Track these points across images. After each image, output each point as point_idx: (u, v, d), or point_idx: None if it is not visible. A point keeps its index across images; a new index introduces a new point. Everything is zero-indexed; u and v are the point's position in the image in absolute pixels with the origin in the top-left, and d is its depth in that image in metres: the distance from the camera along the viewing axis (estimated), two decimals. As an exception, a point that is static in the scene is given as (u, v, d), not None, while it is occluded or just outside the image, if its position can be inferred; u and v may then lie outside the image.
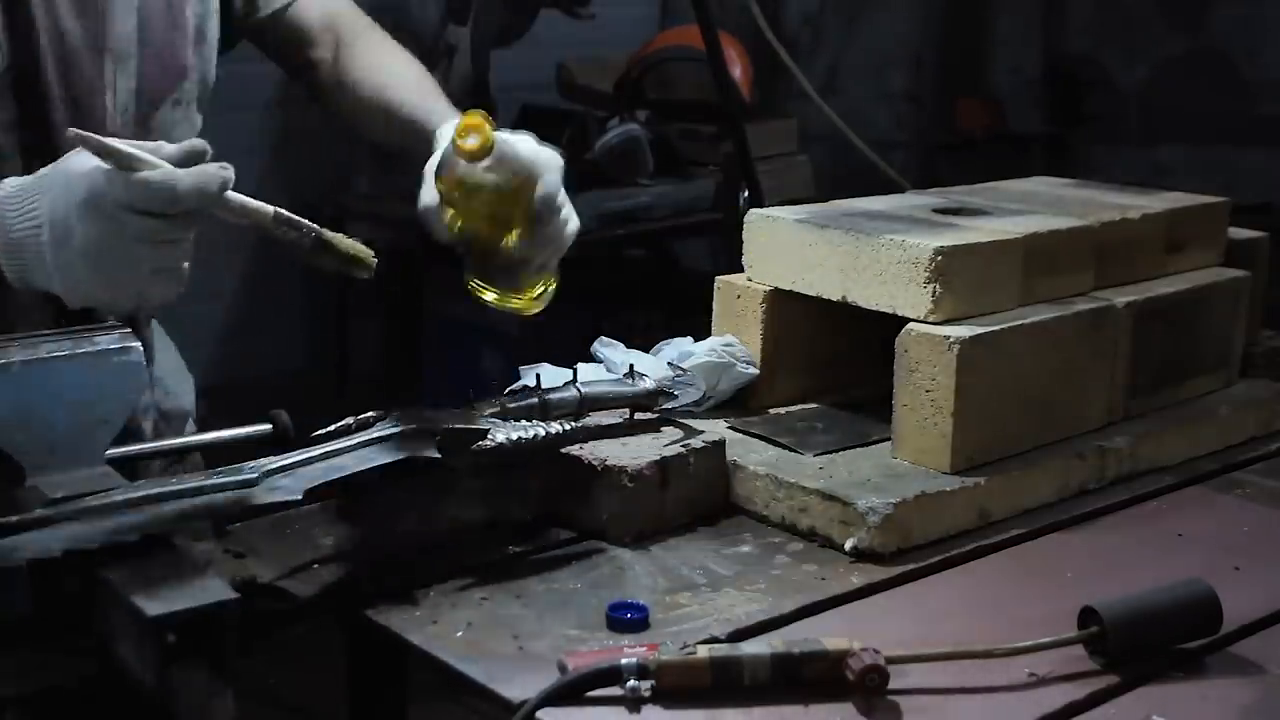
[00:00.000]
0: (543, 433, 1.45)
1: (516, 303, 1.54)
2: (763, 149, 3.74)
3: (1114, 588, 1.32)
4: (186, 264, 1.26)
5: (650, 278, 4.16)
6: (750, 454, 1.60)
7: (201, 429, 1.38)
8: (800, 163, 4.21)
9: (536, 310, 1.57)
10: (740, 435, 1.66)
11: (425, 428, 1.37)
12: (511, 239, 1.51)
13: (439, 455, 1.36)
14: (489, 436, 1.40)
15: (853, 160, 4.20)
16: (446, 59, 3.84)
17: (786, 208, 1.77)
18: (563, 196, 1.53)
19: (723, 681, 1.18)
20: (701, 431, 1.60)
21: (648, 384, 1.59)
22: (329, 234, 1.35)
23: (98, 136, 1.22)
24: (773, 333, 1.73)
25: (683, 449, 1.54)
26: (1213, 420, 1.81)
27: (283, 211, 1.32)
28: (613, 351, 1.68)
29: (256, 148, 3.72)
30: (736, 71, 3.85)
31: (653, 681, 1.17)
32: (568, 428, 1.48)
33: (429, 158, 1.53)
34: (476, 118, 1.46)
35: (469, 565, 1.44)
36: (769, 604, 1.36)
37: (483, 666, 1.23)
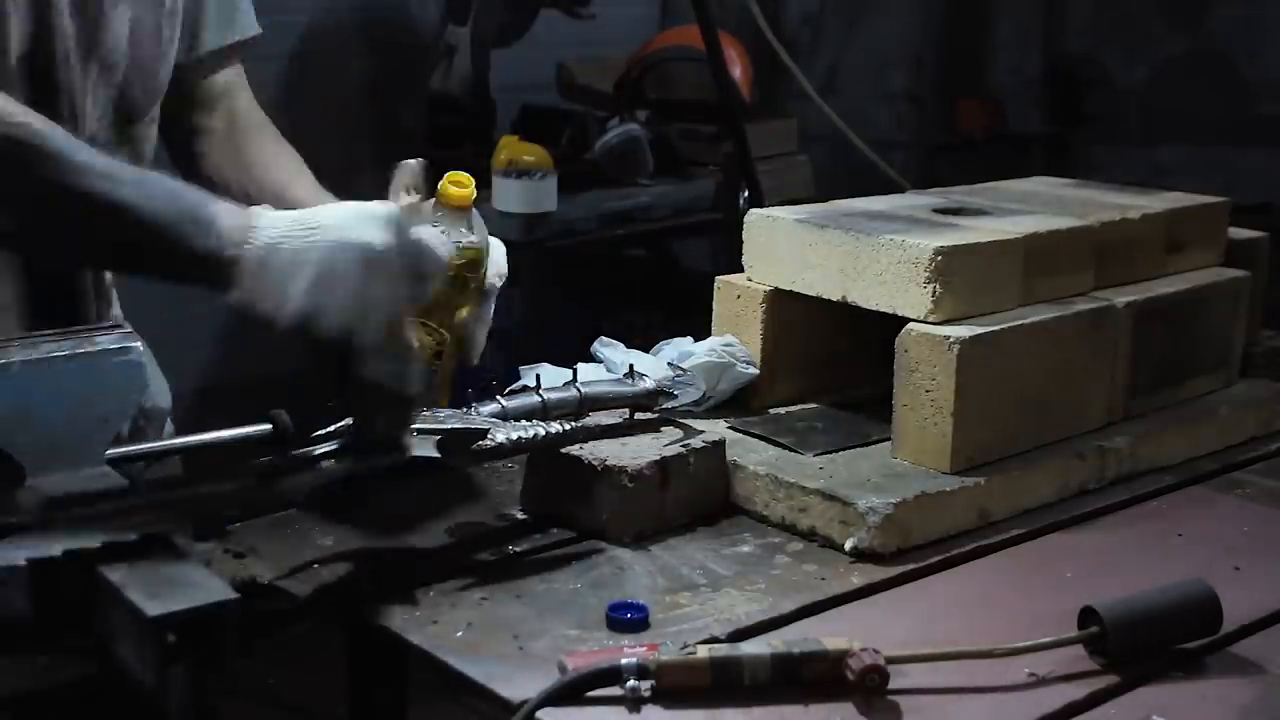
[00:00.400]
0: (542, 432, 1.45)
1: None
2: (763, 149, 3.73)
3: (1114, 588, 1.32)
4: None
5: (650, 278, 4.16)
6: (750, 454, 1.60)
7: (201, 429, 1.38)
8: (800, 163, 4.21)
9: None
10: (740, 435, 1.66)
11: (425, 427, 1.37)
12: (462, 314, 1.47)
13: (439, 456, 1.36)
14: (489, 436, 1.40)
15: (853, 160, 4.20)
16: (446, 59, 3.84)
17: (786, 208, 1.77)
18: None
19: (723, 681, 1.18)
20: (701, 431, 1.60)
21: (648, 384, 1.59)
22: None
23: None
24: (773, 333, 1.73)
25: (683, 449, 1.54)
26: (1213, 420, 1.81)
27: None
28: (613, 351, 1.68)
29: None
30: (736, 71, 3.85)
31: (653, 681, 1.17)
32: (567, 427, 1.48)
33: None
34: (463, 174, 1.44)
35: (469, 565, 1.44)
36: (769, 604, 1.36)
37: (483, 666, 1.23)
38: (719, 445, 1.58)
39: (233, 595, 1.12)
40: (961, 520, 1.53)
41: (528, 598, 1.36)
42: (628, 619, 1.30)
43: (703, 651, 1.19)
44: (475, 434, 1.40)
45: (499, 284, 1.53)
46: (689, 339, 1.72)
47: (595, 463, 1.50)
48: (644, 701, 1.16)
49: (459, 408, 1.46)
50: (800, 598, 1.38)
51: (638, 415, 1.61)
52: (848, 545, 1.46)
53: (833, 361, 1.78)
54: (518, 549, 1.49)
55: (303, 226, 1.28)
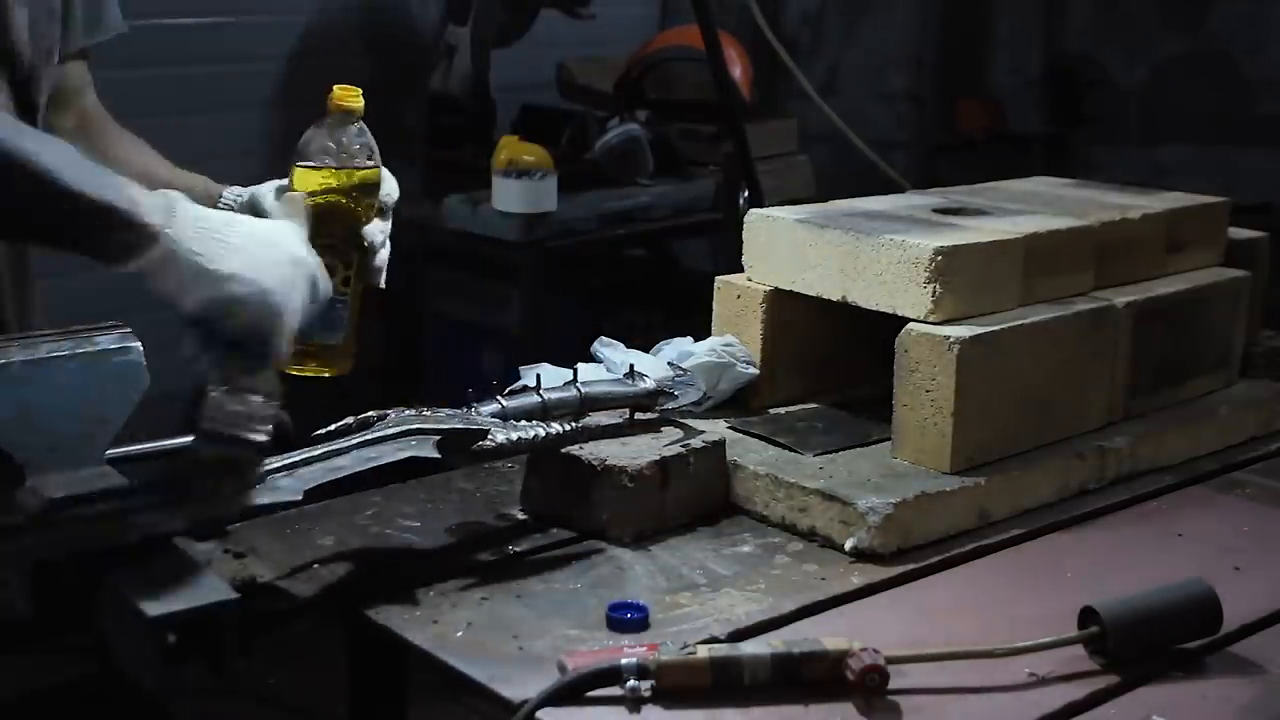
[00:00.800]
0: (542, 433, 1.45)
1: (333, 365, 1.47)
2: (763, 149, 3.73)
3: (1114, 588, 1.33)
4: None
5: (650, 278, 4.16)
6: (750, 454, 1.60)
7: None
8: (800, 163, 4.21)
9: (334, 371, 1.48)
10: (740, 435, 1.66)
11: (425, 427, 1.37)
12: (364, 235, 1.47)
13: (439, 456, 1.36)
14: (489, 437, 1.40)
15: (853, 160, 4.19)
16: (446, 59, 3.84)
17: (786, 208, 1.77)
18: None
19: (723, 681, 1.18)
20: (701, 431, 1.60)
21: (648, 384, 1.59)
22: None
23: None
24: (773, 333, 1.73)
25: (683, 449, 1.54)
26: (1213, 420, 1.81)
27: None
28: (613, 351, 1.68)
29: (256, 148, 3.72)
30: (736, 71, 3.85)
31: (653, 681, 1.17)
32: (568, 428, 1.48)
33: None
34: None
35: (469, 565, 1.44)
36: (769, 604, 1.36)
37: (483, 666, 1.23)
38: (719, 445, 1.58)
39: (233, 595, 1.12)
40: (961, 520, 1.53)
41: (528, 598, 1.36)
42: (628, 619, 1.30)
43: (703, 651, 1.19)
44: (475, 434, 1.40)
45: (390, 203, 1.52)
46: (689, 339, 1.72)
47: (595, 463, 1.50)
48: (644, 701, 1.16)
49: (458, 406, 1.46)
50: (800, 598, 1.38)
51: (638, 415, 1.60)
52: (848, 545, 1.46)
53: (833, 361, 1.78)
54: (518, 549, 1.49)
55: (235, 222, 1.30)
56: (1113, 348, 1.72)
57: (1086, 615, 1.27)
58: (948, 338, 1.53)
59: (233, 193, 1.62)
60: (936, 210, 1.77)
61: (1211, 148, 4.62)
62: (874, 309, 1.61)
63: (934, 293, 1.55)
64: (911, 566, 1.45)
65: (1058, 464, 1.63)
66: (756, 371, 1.71)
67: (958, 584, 1.45)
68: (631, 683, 1.16)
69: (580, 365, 1.65)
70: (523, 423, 1.46)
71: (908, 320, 1.57)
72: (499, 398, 1.49)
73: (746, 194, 3.41)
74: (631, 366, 1.61)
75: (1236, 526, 1.59)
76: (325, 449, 1.32)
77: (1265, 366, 1.95)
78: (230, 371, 1.26)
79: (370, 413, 1.38)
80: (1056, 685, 1.23)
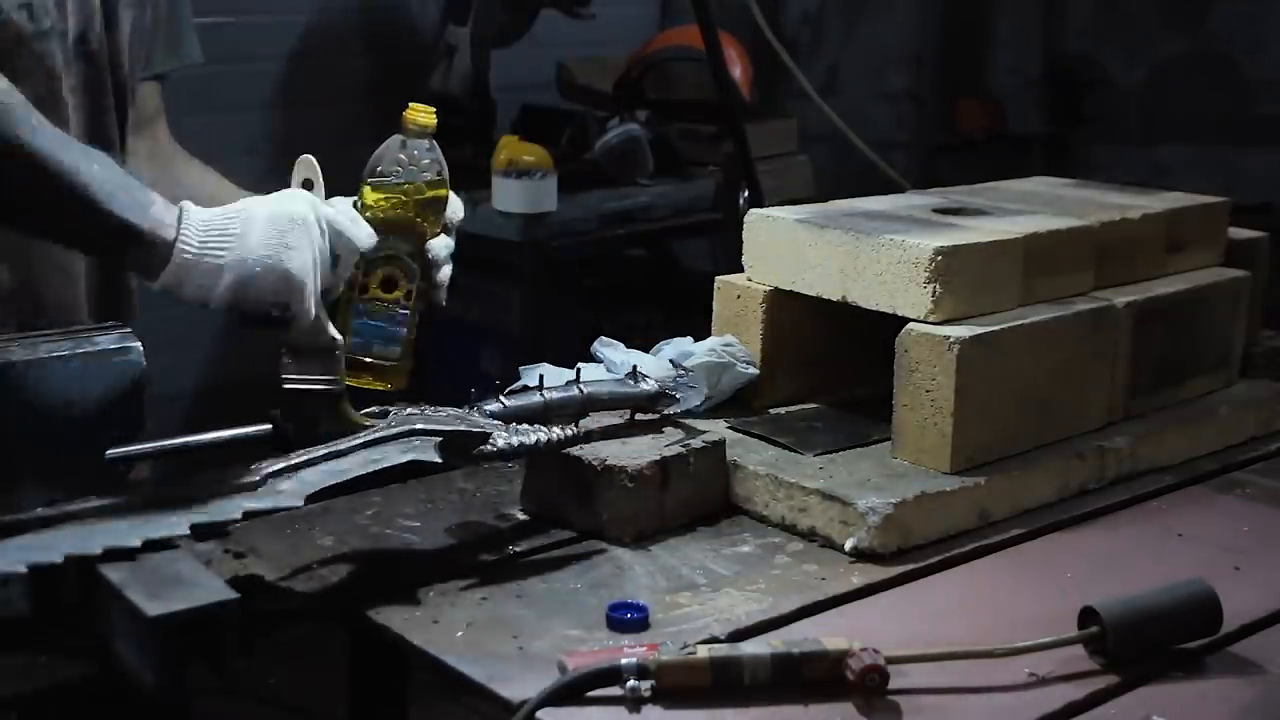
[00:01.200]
0: (544, 438, 1.45)
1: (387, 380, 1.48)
2: (763, 149, 3.73)
3: (1114, 588, 1.33)
4: None
5: (650, 278, 4.16)
6: (750, 454, 1.60)
7: (201, 429, 1.38)
8: (800, 163, 4.21)
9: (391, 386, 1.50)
10: (740, 435, 1.66)
11: (427, 428, 1.37)
12: (429, 251, 1.48)
13: (440, 460, 1.36)
14: (490, 442, 1.40)
15: (853, 160, 4.19)
16: (446, 59, 3.84)
17: (786, 208, 1.77)
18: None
19: (723, 681, 1.18)
20: (701, 431, 1.60)
21: (650, 386, 1.59)
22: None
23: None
24: (773, 333, 1.73)
25: (683, 449, 1.54)
26: (1213, 420, 1.81)
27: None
28: (613, 351, 1.68)
29: (257, 148, 3.72)
30: (736, 71, 3.85)
31: (653, 681, 1.17)
32: (569, 433, 1.48)
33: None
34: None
35: (469, 565, 1.44)
36: (769, 604, 1.36)
37: (483, 666, 1.23)
38: (719, 445, 1.58)
39: (233, 595, 1.12)
40: (961, 520, 1.53)
41: (528, 598, 1.36)
42: (628, 619, 1.30)
43: (703, 651, 1.19)
44: (477, 437, 1.40)
45: (456, 222, 1.53)
46: (689, 339, 1.72)
47: (595, 463, 1.50)
48: (644, 701, 1.16)
49: (460, 406, 1.46)
50: (800, 598, 1.38)
51: (638, 416, 1.60)
52: (848, 545, 1.46)
53: (833, 361, 1.78)
54: (518, 549, 1.49)
55: (230, 212, 1.33)
56: (1113, 348, 1.72)
57: (1086, 615, 1.27)
58: (948, 338, 1.53)
59: None
60: (936, 210, 1.77)
61: (1211, 148, 4.62)
62: (874, 309, 1.61)
63: (934, 293, 1.55)
64: (911, 566, 1.45)
65: (1058, 464, 1.63)
66: (756, 371, 1.71)
67: (958, 584, 1.45)
68: (631, 683, 1.16)
69: (582, 365, 1.65)
70: (524, 426, 1.46)
71: (908, 320, 1.57)
72: (501, 397, 1.49)
73: (746, 194, 3.41)
74: (635, 368, 1.61)
75: (1236, 526, 1.59)
76: (327, 450, 1.32)
77: (1265, 366, 1.95)
78: (280, 339, 1.35)
79: (372, 408, 1.38)
80: (1056, 685, 1.23)
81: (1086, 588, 1.38)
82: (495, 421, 1.44)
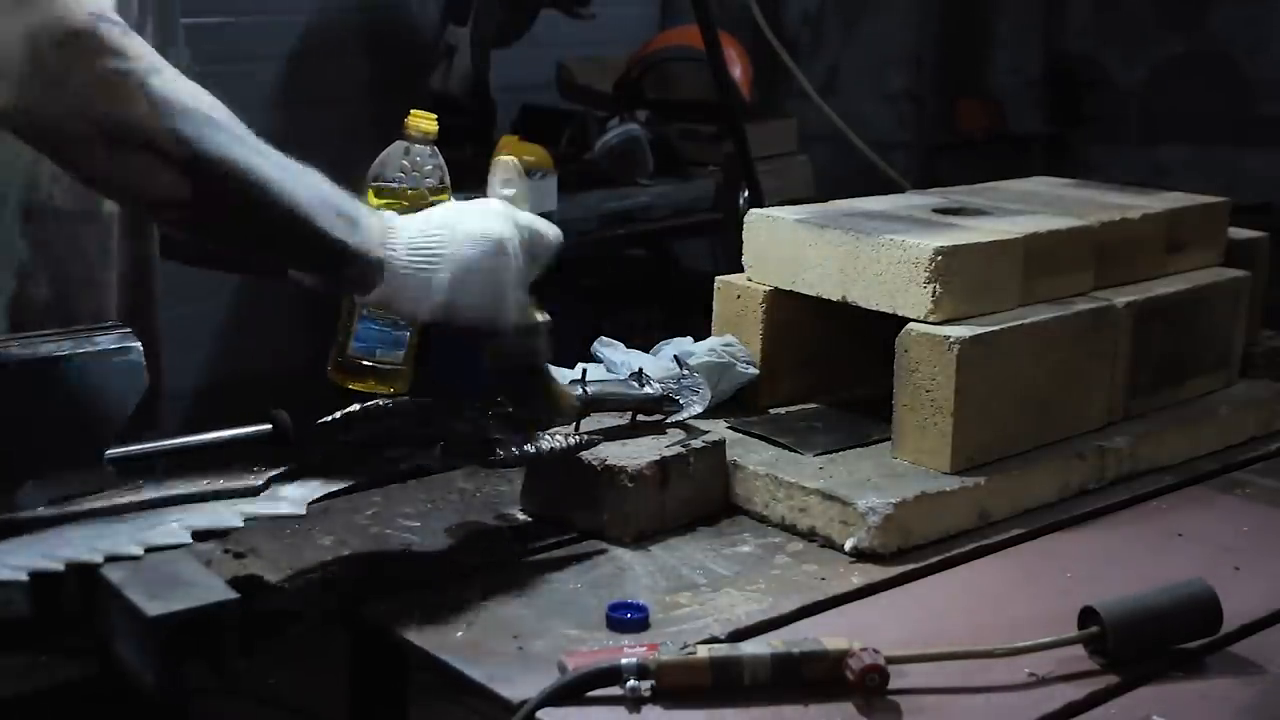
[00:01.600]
0: (546, 447, 1.44)
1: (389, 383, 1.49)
2: (763, 149, 3.73)
3: (1114, 588, 1.33)
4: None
5: (650, 278, 4.16)
6: (750, 454, 1.60)
7: (201, 429, 1.38)
8: (800, 163, 4.21)
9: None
10: (740, 435, 1.66)
11: (429, 432, 1.37)
12: None
13: (444, 466, 1.36)
14: (495, 451, 1.40)
15: (853, 160, 4.19)
16: (446, 59, 3.83)
17: (786, 208, 1.77)
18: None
19: (723, 681, 1.18)
20: (702, 431, 1.60)
21: (655, 389, 1.59)
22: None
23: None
24: (773, 333, 1.73)
25: (683, 449, 1.54)
26: (1213, 420, 1.81)
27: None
28: (613, 351, 1.68)
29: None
30: (736, 71, 3.85)
31: (653, 681, 1.17)
32: (573, 441, 1.48)
33: None
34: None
35: (469, 565, 1.44)
36: (769, 604, 1.36)
37: (483, 666, 1.23)
38: (719, 445, 1.58)
39: (233, 595, 1.12)
40: (961, 520, 1.53)
41: (528, 598, 1.36)
42: (628, 619, 1.30)
43: (703, 651, 1.19)
44: (479, 440, 1.40)
45: None
46: (689, 339, 1.72)
47: (595, 463, 1.50)
48: (644, 701, 1.16)
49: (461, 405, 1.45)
50: (800, 598, 1.38)
51: (640, 418, 1.60)
52: (848, 545, 1.46)
53: (833, 361, 1.78)
54: (518, 549, 1.49)
55: (434, 226, 1.36)
56: (1113, 348, 1.72)
57: (1086, 615, 1.27)
58: (948, 338, 1.53)
59: None
60: (936, 210, 1.77)
61: (1211, 148, 4.62)
62: (874, 309, 1.61)
63: (934, 293, 1.55)
64: (911, 566, 1.45)
65: (1058, 464, 1.63)
66: (756, 371, 1.71)
67: (958, 584, 1.45)
68: (631, 683, 1.16)
69: (585, 365, 1.64)
70: (526, 431, 1.45)
71: (908, 320, 1.57)
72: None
73: (746, 194, 3.41)
74: (640, 370, 1.61)
75: (1236, 526, 1.59)
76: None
77: (1265, 366, 1.95)
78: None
79: (376, 400, 1.38)
80: (1056, 685, 1.23)
81: (1086, 588, 1.38)
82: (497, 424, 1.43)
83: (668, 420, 1.61)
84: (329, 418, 1.35)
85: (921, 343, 1.55)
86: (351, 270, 1.32)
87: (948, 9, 5.15)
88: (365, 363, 1.44)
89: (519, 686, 1.19)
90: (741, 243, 1.76)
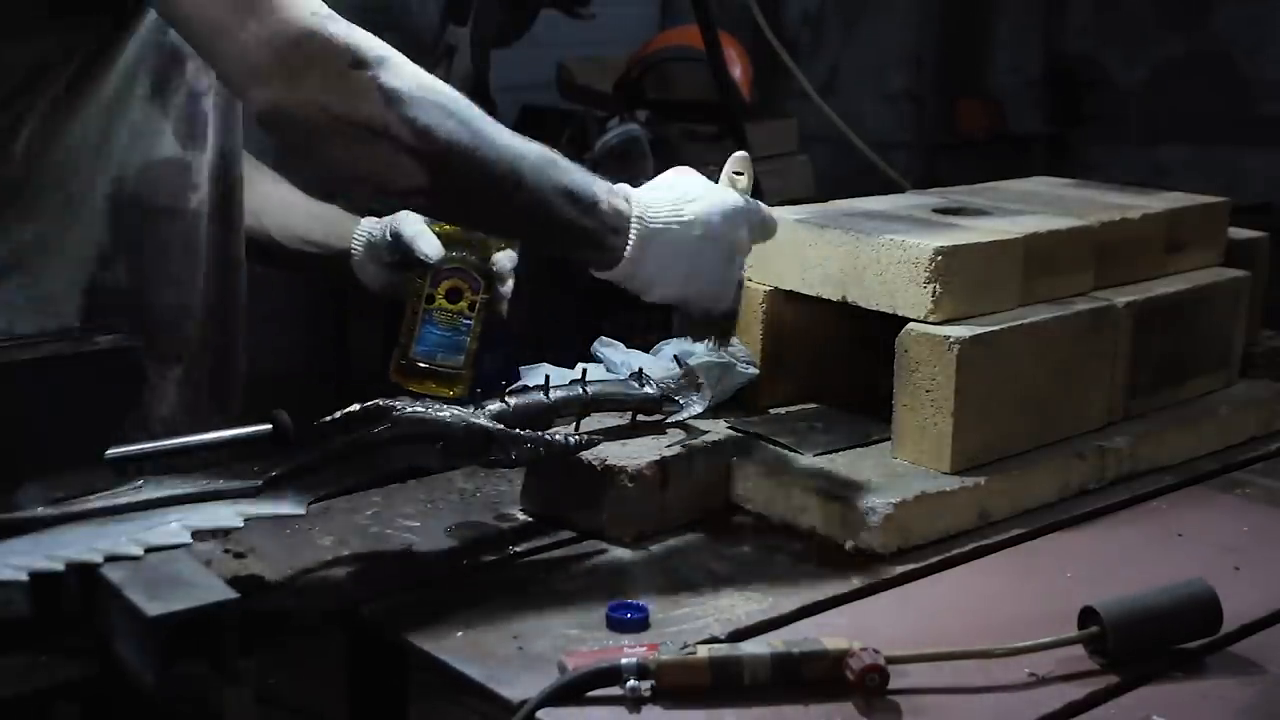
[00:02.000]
0: (548, 447, 1.44)
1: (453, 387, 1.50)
2: (763, 149, 3.73)
3: (1114, 588, 1.32)
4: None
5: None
6: (750, 454, 1.60)
7: (202, 429, 1.38)
8: (800, 163, 4.21)
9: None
10: (740, 435, 1.66)
11: (428, 432, 1.36)
12: (494, 262, 1.52)
13: (443, 466, 1.36)
14: (494, 453, 1.40)
15: (853, 160, 4.20)
16: (446, 59, 3.84)
17: (786, 208, 1.77)
18: None
19: (723, 681, 1.18)
20: (702, 431, 1.60)
21: (655, 390, 1.59)
22: None
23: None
24: (773, 333, 1.73)
25: (683, 449, 1.54)
26: (1213, 420, 1.81)
27: None
28: (613, 351, 1.68)
29: (264, 148, 3.72)
30: (736, 71, 3.85)
31: (653, 681, 1.17)
32: (573, 441, 1.48)
33: None
34: None
35: (469, 565, 1.44)
36: (769, 604, 1.36)
37: (483, 666, 1.23)
38: (719, 445, 1.58)
39: (233, 595, 1.12)
40: (961, 520, 1.53)
41: (528, 598, 1.36)
42: (628, 619, 1.30)
43: (703, 651, 1.19)
44: (479, 440, 1.39)
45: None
46: (689, 338, 1.72)
47: (595, 463, 1.50)
48: (644, 701, 1.16)
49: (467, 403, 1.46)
50: (800, 598, 1.38)
51: (640, 418, 1.60)
52: (848, 545, 1.46)
53: (833, 361, 1.78)
54: (518, 549, 1.49)
55: (678, 219, 1.42)
56: (1113, 348, 1.72)
57: (1086, 615, 1.27)
58: (948, 338, 1.53)
59: (369, 223, 1.69)
60: (936, 210, 1.77)
61: (1211, 148, 4.62)
62: (874, 309, 1.61)
63: (934, 293, 1.55)
64: (911, 566, 1.45)
65: (1058, 464, 1.63)
66: (756, 371, 1.71)
67: (958, 584, 1.45)
68: (631, 683, 1.16)
69: (585, 365, 1.64)
70: (526, 431, 1.45)
71: (908, 320, 1.57)
72: (505, 398, 1.49)
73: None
74: (640, 370, 1.61)
75: (1236, 526, 1.59)
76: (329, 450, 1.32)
77: (1265, 366, 1.95)
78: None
79: (378, 400, 1.38)
80: (1056, 685, 1.23)
81: (1086, 588, 1.38)
82: (498, 425, 1.43)
83: (668, 420, 1.61)
84: (329, 418, 1.35)
85: (921, 343, 1.55)
86: (590, 252, 1.40)
87: (948, 9, 5.15)
88: (426, 366, 1.46)
89: (519, 686, 1.19)
90: (741, 243, 1.76)
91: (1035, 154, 4.93)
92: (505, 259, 1.52)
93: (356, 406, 1.37)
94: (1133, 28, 4.88)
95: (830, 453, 1.61)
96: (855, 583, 1.42)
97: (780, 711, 1.17)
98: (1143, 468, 1.71)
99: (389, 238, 1.63)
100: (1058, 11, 5.12)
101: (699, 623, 1.32)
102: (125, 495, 1.24)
